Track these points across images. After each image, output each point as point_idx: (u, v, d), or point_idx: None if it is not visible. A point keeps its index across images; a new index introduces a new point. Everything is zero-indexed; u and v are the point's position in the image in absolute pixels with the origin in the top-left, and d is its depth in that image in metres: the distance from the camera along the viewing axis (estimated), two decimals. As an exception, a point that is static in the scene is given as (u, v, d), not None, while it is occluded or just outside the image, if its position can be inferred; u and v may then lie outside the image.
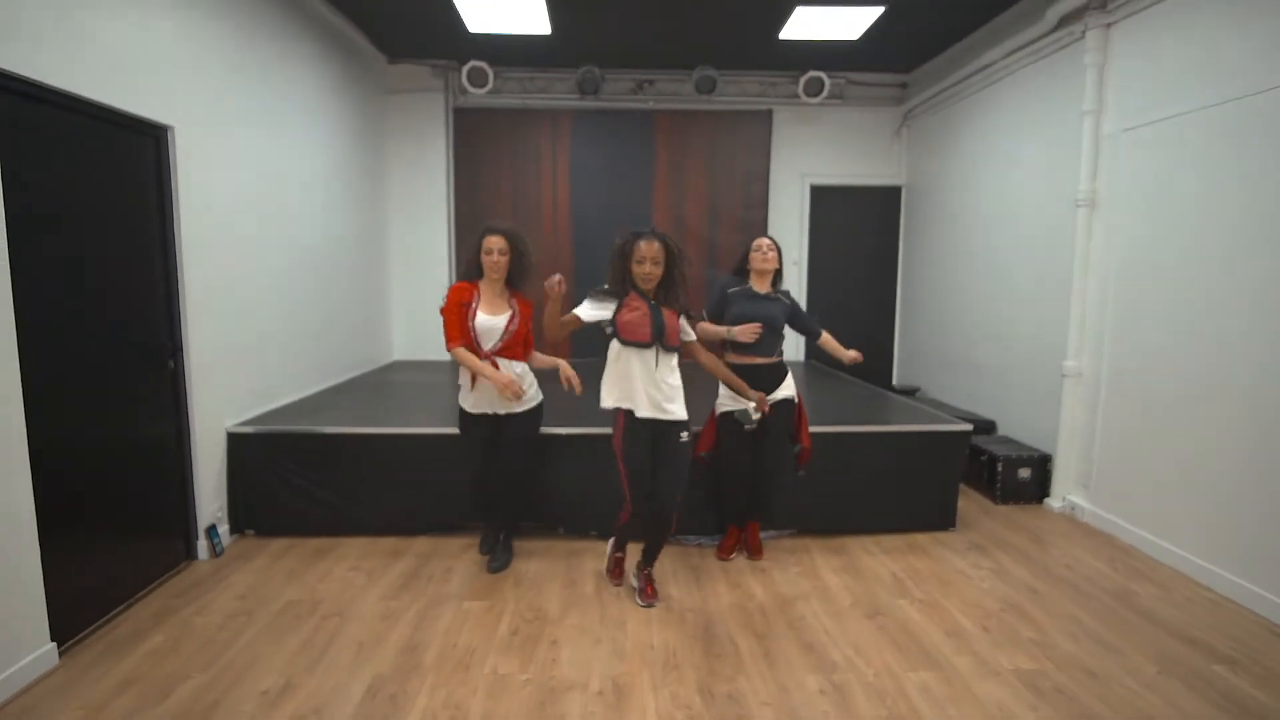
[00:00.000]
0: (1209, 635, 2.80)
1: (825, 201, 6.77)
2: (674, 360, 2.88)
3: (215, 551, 3.47)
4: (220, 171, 3.54)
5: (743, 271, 3.42)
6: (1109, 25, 3.89)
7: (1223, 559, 3.17)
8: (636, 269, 2.80)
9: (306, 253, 4.54)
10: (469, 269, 3.17)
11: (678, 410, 2.86)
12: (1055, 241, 4.31)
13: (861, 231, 6.85)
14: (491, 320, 3.10)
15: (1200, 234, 3.31)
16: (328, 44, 4.90)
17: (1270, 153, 2.95)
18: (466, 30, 5.15)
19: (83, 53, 2.67)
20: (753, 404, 3.13)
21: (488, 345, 3.09)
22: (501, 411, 3.18)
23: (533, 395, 3.25)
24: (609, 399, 2.87)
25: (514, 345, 3.16)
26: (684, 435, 2.86)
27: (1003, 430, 4.96)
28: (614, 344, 2.84)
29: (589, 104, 6.40)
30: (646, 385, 2.81)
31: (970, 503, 4.37)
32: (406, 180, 6.32)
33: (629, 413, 2.83)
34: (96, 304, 2.82)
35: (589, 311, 2.81)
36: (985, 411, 5.15)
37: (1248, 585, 3.03)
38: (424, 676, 2.48)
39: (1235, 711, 2.32)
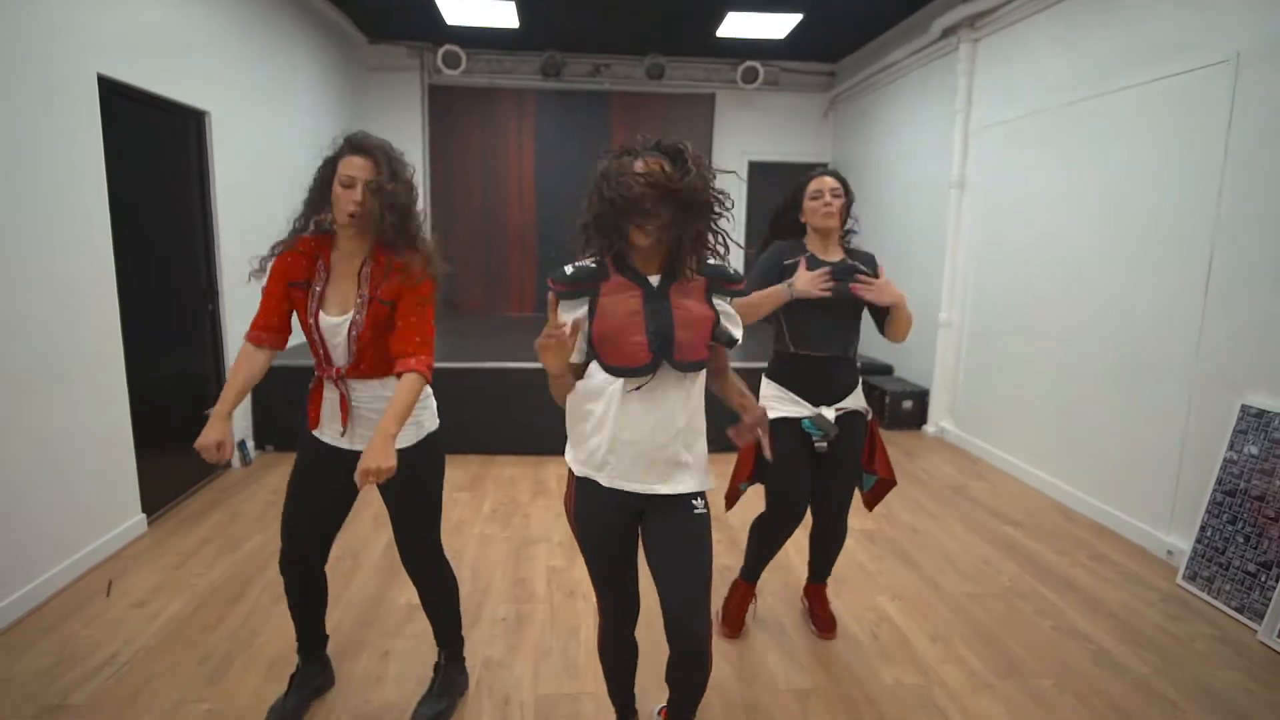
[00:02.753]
0: (1010, 510, 3.82)
1: (761, 176, 7.63)
2: (697, 387, 1.61)
3: (245, 461, 4.26)
4: (242, 147, 4.23)
5: (791, 229, 2.39)
6: (976, 41, 4.79)
7: (1035, 461, 4.20)
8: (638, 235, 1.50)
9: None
10: (309, 217, 1.89)
11: (689, 478, 1.61)
12: (936, 216, 5.25)
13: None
14: (336, 321, 1.81)
15: (1033, 212, 4.27)
16: (316, 27, 5.54)
17: (1080, 149, 3.88)
18: (443, 19, 5.83)
19: (146, 53, 3.36)
20: (825, 409, 2.28)
21: (340, 359, 1.84)
22: (348, 448, 1.90)
23: (414, 431, 1.89)
24: (569, 450, 1.69)
25: (373, 352, 1.83)
26: (698, 503, 1.62)
27: (898, 373, 5.96)
28: (593, 368, 1.59)
29: (551, 85, 7.12)
30: (644, 437, 1.56)
31: (865, 430, 5.36)
32: (385, 151, 6.97)
33: (585, 481, 1.63)
34: (160, 259, 3.56)
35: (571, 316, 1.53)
36: (884, 358, 6.14)
37: (1047, 478, 4.06)
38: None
39: (1006, 548, 3.32)
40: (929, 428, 5.31)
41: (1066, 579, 3.04)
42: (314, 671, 2.14)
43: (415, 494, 1.94)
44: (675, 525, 1.60)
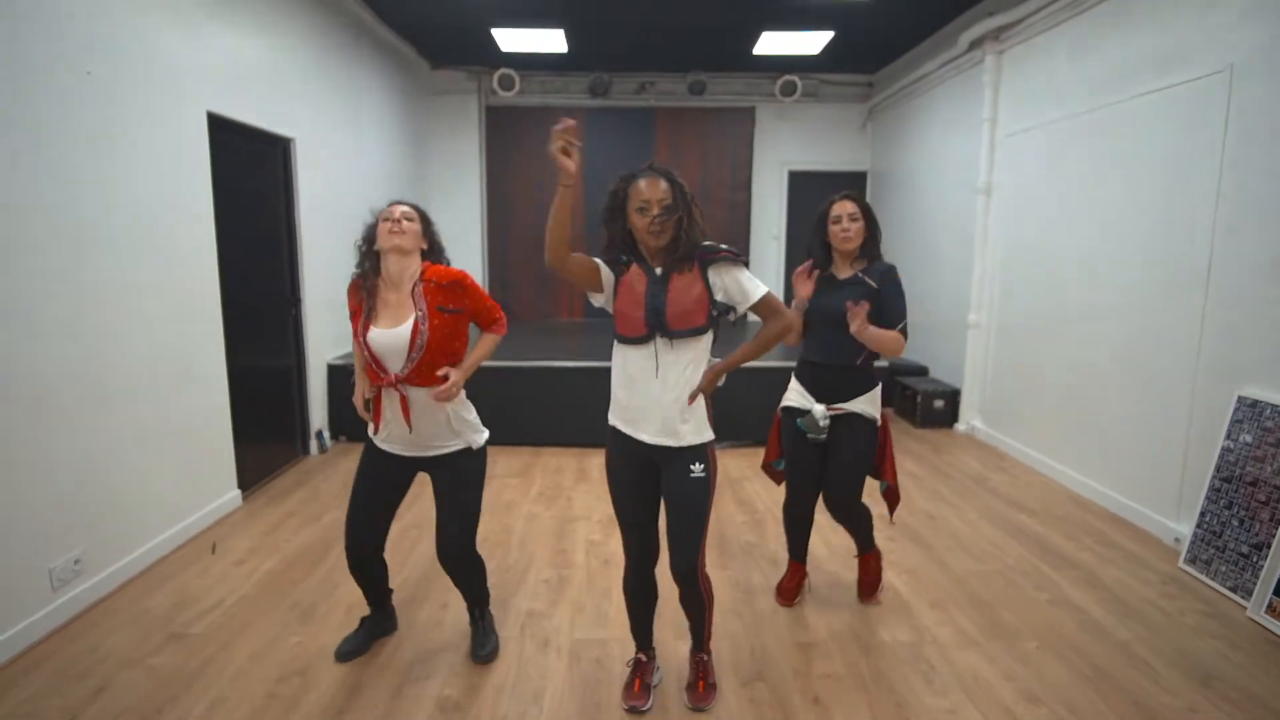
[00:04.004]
0: (1026, 499, 4.00)
1: (802, 185, 7.89)
2: (690, 354, 1.97)
3: (321, 449, 4.76)
4: (320, 169, 4.75)
5: (822, 252, 2.58)
6: (1001, 52, 4.98)
7: (1054, 454, 4.36)
8: (640, 222, 1.91)
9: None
10: (362, 259, 2.25)
11: (689, 431, 1.98)
12: (965, 221, 5.44)
13: (833, 211, 7.98)
14: (388, 334, 2.14)
15: (1052, 215, 4.44)
16: (385, 57, 6.09)
17: (1093, 154, 4.06)
18: (499, 46, 6.31)
19: (243, 89, 3.88)
20: (822, 408, 2.54)
21: (395, 367, 2.16)
22: (425, 455, 2.28)
23: (471, 433, 2.32)
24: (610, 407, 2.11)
25: (432, 362, 2.16)
26: (696, 468, 1.99)
27: (933, 374, 6.13)
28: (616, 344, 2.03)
29: (599, 103, 7.54)
30: (649, 393, 1.96)
31: (895, 428, 5.55)
32: (445, 169, 7.52)
33: (614, 430, 2.07)
34: (252, 269, 4.07)
35: (604, 271, 2.02)
36: (921, 360, 6.31)
37: (1065, 470, 4.22)
38: (483, 515, 3.73)
39: (1015, 533, 3.53)
40: (960, 426, 5.48)
41: (1069, 559, 3.23)
42: (381, 617, 2.55)
43: (466, 498, 2.32)
44: (677, 484, 2.02)
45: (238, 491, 3.78)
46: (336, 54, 5.11)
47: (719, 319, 2.01)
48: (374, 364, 2.18)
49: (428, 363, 2.16)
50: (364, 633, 2.49)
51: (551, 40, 6.07)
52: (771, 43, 6.05)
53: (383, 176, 6.04)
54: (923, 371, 6.17)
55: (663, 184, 1.92)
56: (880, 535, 3.46)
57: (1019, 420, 4.81)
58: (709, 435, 2.04)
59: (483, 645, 2.45)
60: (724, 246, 1.99)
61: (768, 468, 2.85)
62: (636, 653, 2.29)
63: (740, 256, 2.00)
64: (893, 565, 3.17)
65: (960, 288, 5.51)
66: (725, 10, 5.40)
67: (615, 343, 2.04)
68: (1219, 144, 3.18)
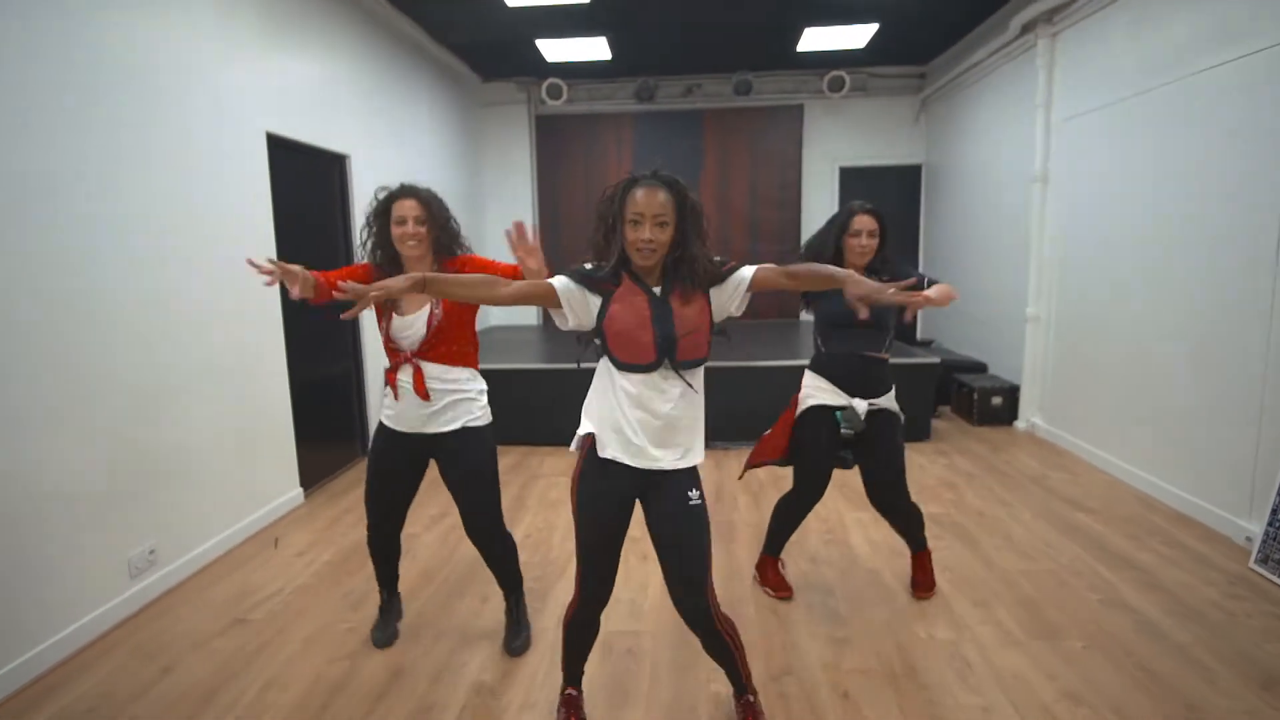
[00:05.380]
0: (1086, 498, 3.84)
1: (854, 181, 7.76)
2: (697, 379, 1.84)
3: (381, 451, 4.96)
4: (376, 183, 4.93)
5: (831, 253, 2.56)
6: (1054, 35, 4.80)
7: (1119, 452, 4.16)
8: (631, 235, 1.72)
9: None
10: (374, 253, 2.36)
11: (697, 448, 1.87)
12: (1020, 211, 5.26)
13: (886, 206, 7.79)
14: (408, 320, 2.27)
15: (1112, 201, 4.25)
16: (437, 72, 6.31)
17: (1155, 135, 3.87)
18: (545, 58, 6.46)
19: (301, 109, 4.10)
20: (863, 403, 2.55)
21: (408, 345, 2.29)
22: (429, 431, 2.33)
23: (476, 411, 2.37)
24: (580, 430, 1.88)
25: (447, 339, 2.31)
26: (694, 495, 1.84)
27: (992, 370, 5.93)
28: (604, 361, 1.83)
29: (647, 107, 7.61)
30: (659, 417, 1.78)
31: (953, 426, 5.41)
32: (497, 177, 7.72)
33: (596, 457, 1.83)
34: (311, 277, 4.28)
35: (565, 288, 1.77)
36: (979, 355, 6.12)
37: (1130, 468, 4.03)
38: (529, 511, 3.84)
39: (1071, 532, 3.39)
40: (1019, 423, 5.28)
41: (1128, 559, 3.09)
42: (395, 600, 2.67)
43: (476, 473, 2.38)
44: (673, 516, 1.82)
45: (300, 490, 3.99)
46: (390, 72, 5.33)
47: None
48: (392, 343, 2.31)
49: (442, 340, 2.30)
50: (390, 618, 2.62)
51: (594, 48, 6.17)
52: (815, 38, 6.00)
53: (436, 186, 6.22)
54: (981, 368, 5.98)
55: (661, 195, 1.70)
56: (926, 533, 3.40)
57: (1081, 416, 4.62)
58: (699, 458, 1.87)
59: (515, 636, 2.53)
60: (721, 259, 1.83)
61: (752, 466, 2.75)
62: (566, 689, 2.08)
63: (737, 264, 1.84)
64: (935, 562, 3.09)
65: (1017, 281, 5.32)
66: (765, 9, 5.39)
67: (604, 367, 1.82)
68: (1286, 118, 3.00)
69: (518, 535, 3.48)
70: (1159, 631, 2.52)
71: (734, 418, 4.86)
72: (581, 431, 1.86)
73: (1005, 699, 2.17)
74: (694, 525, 1.83)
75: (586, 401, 1.88)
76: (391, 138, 5.36)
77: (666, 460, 1.80)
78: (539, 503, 3.96)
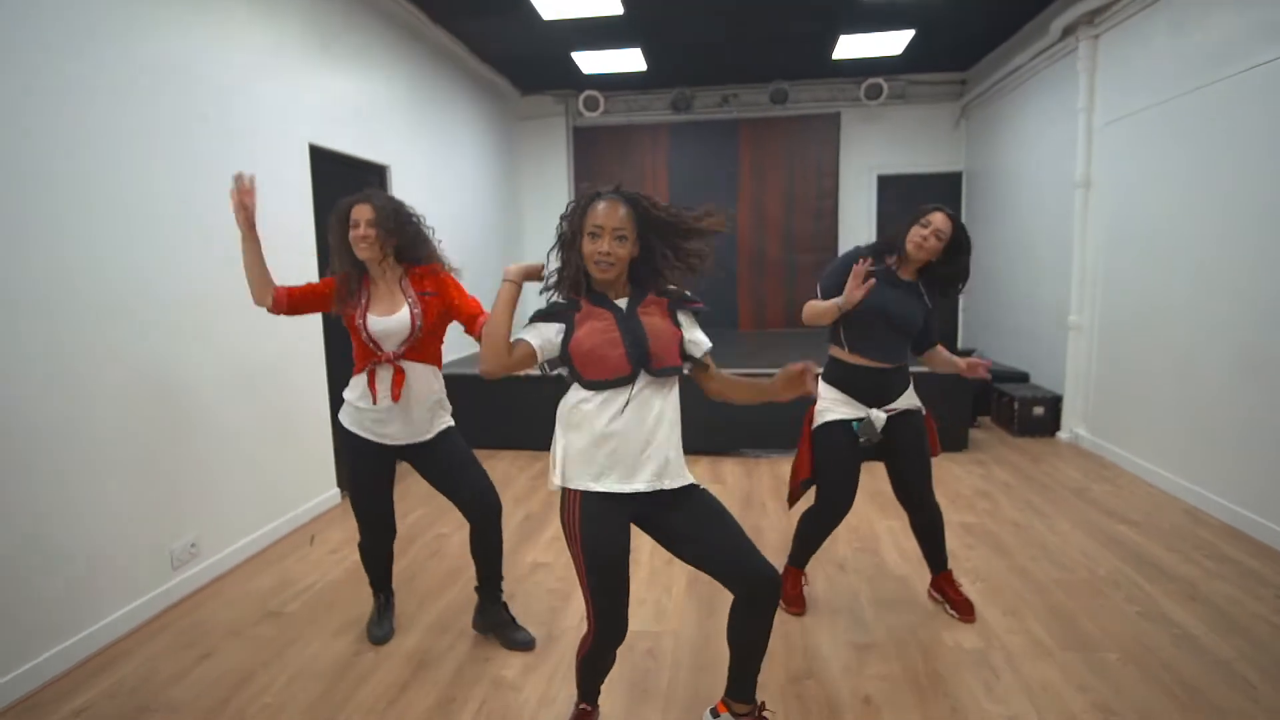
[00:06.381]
0: (1129, 511, 3.71)
1: (892, 188, 7.67)
2: (673, 391, 1.82)
3: (416, 454, 5.07)
4: (415, 193, 5.09)
5: (892, 247, 2.50)
6: (1096, 37, 4.70)
7: (1165, 464, 4.02)
8: (589, 248, 1.72)
9: (475, 249, 6.12)
10: (339, 258, 2.41)
11: (682, 466, 1.82)
12: (1063, 217, 5.14)
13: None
14: (388, 320, 2.33)
15: (1157, 205, 4.13)
16: (477, 87, 6.47)
17: (1200, 136, 3.76)
18: (581, 71, 6.57)
19: (342, 122, 4.25)
20: (877, 411, 2.50)
21: (391, 347, 2.34)
22: (416, 441, 2.43)
23: (448, 409, 2.54)
24: (558, 474, 1.79)
25: (428, 340, 2.40)
26: (700, 486, 1.86)
27: (1034, 380, 5.78)
28: (571, 392, 1.79)
29: (683, 118, 7.66)
30: (640, 435, 1.74)
31: (992, 436, 5.28)
32: (536, 189, 7.85)
33: (588, 495, 1.75)
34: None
35: (540, 340, 1.77)
36: (1021, 365, 5.97)
37: (1177, 480, 3.88)
38: (555, 521, 3.88)
39: (1111, 544, 3.29)
40: (1063, 434, 5.14)
41: (1170, 572, 2.98)
42: (389, 596, 2.71)
43: (468, 458, 2.50)
44: (696, 508, 1.79)
45: (336, 490, 4.10)
46: (431, 85, 5.49)
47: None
48: (372, 345, 2.35)
49: (423, 341, 2.38)
50: (388, 614, 2.68)
51: (630, 60, 6.25)
52: (851, 46, 5.97)
53: (475, 198, 6.40)
54: (1023, 378, 5.84)
55: (621, 210, 1.70)
56: (957, 542, 3.35)
57: (1126, 427, 4.47)
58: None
59: (519, 628, 2.58)
60: (689, 295, 1.85)
61: (795, 489, 2.66)
62: (580, 704, 2.05)
63: (705, 309, 1.88)
64: (967, 573, 3.04)
65: (1060, 289, 5.19)
66: (800, 18, 5.39)
67: (577, 392, 1.76)
68: (1336, 115, 2.88)
69: (545, 538, 3.55)
70: (1200, 646, 2.43)
71: (759, 426, 4.85)
72: (561, 482, 1.78)
73: (1032, 708, 2.12)
74: (714, 507, 1.82)
75: (559, 448, 1.78)
76: (431, 149, 5.50)
77: (661, 481, 1.75)
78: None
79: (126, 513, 2.70)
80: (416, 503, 4.05)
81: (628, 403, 1.72)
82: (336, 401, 4.07)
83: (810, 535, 2.72)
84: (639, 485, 1.74)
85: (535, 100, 7.69)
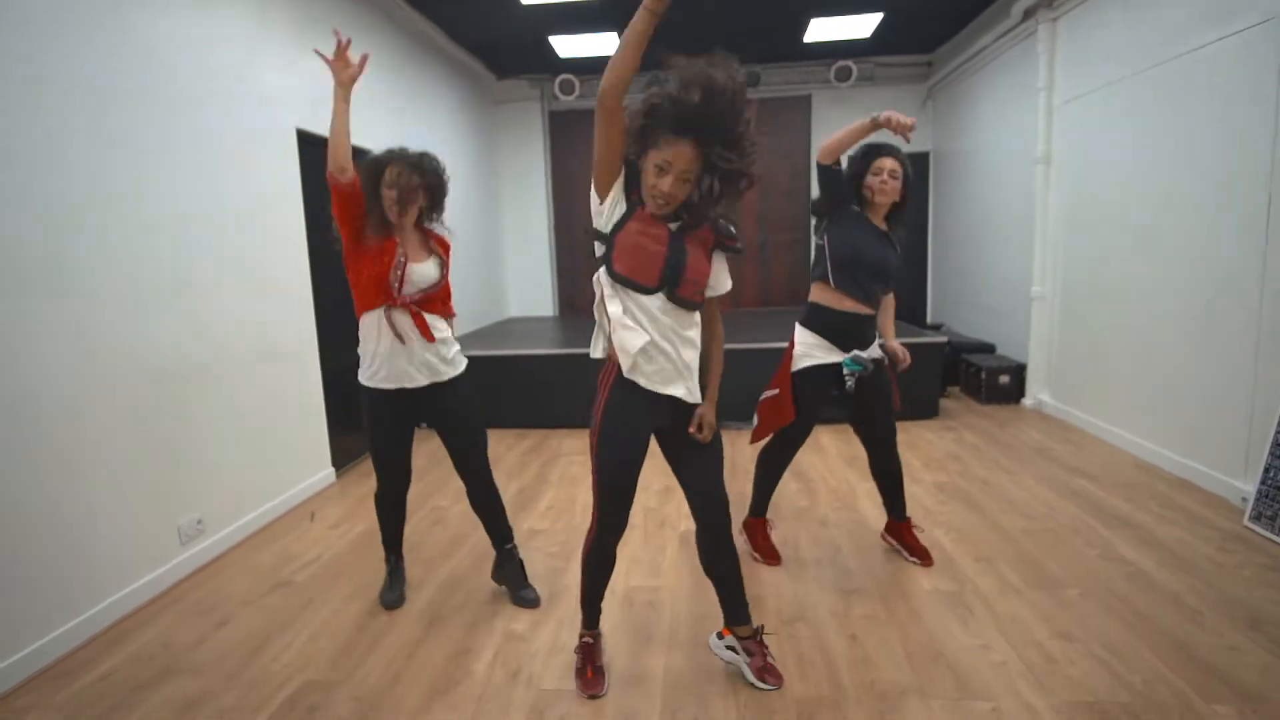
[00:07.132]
0: (1088, 465, 3.96)
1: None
2: (694, 319, 1.92)
3: (406, 435, 5.16)
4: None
5: (851, 196, 2.61)
6: (1055, 20, 4.92)
7: (1122, 424, 4.28)
8: (651, 179, 1.75)
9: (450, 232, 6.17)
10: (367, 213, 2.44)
11: (697, 388, 1.95)
12: (1025, 193, 5.37)
13: (895, 194, 7.94)
14: (421, 268, 2.46)
15: (1112, 180, 4.37)
16: (454, 71, 6.51)
17: (1150, 115, 3.99)
18: (558, 54, 6.63)
19: (326, 107, 4.28)
20: (858, 351, 2.63)
21: (410, 290, 2.42)
22: (418, 384, 2.47)
23: (456, 356, 2.59)
24: (599, 346, 1.99)
25: (440, 294, 2.54)
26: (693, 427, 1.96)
27: (1000, 351, 6.04)
28: (601, 274, 1.86)
29: (656, 101, 7.75)
30: (676, 344, 1.88)
31: (960, 404, 5.53)
32: (513, 172, 7.91)
33: (634, 386, 1.90)
34: (340, 268, 4.48)
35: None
36: (987, 337, 6.23)
37: (1133, 438, 4.15)
38: (551, 486, 4.01)
39: (1071, 495, 3.52)
40: (1027, 401, 5.40)
41: (1126, 519, 3.22)
42: (399, 561, 2.80)
43: (475, 412, 2.62)
44: (691, 439, 1.96)
45: (331, 470, 4.19)
46: (407, 69, 5.52)
47: None
48: (396, 287, 2.40)
49: (444, 291, 2.55)
50: (398, 579, 2.77)
51: (606, 44, 6.33)
52: (821, 29, 6.13)
53: (454, 179, 6.42)
54: (989, 349, 6.09)
55: (690, 153, 1.71)
56: (931, 499, 3.55)
57: (1086, 392, 4.73)
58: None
59: (527, 585, 2.71)
60: (734, 232, 1.92)
61: (766, 435, 2.84)
62: (583, 635, 2.20)
63: (742, 251, 1.96)
64: (940, 524, 3.24)
65: (1023, 262, 5.43)
66: (771, 2, 5.52)
67: (603, 279, 1.85)
68: (1273, 95, 3.11)
69: (540, 508, 3.68)
70: (1152, 581, 2.66)
71: (742, 398, 5.02)
72: (602, 353, 1.96)
73: (1002, 638, 2.32)
74: (710, 443, 1.98)
75: (607, 328, 1.90)
76: (409, 133, 5.53)
77: (682, 391, 1.90)
78: (560, 479, 4.14)
79: (136, 490, 2.78)
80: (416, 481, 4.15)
81: (664, 314, 1.84)
82: (330, 383, 4.17)
83: (769, 473, 2.93)
84: (670, 390, 1.89)
85: (511, 84, 7.73)
